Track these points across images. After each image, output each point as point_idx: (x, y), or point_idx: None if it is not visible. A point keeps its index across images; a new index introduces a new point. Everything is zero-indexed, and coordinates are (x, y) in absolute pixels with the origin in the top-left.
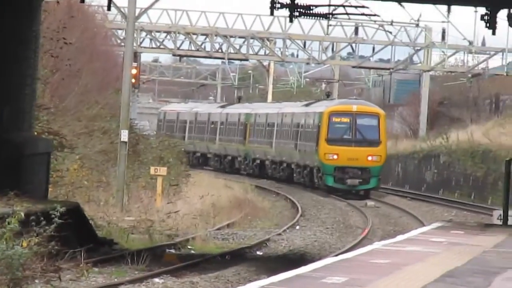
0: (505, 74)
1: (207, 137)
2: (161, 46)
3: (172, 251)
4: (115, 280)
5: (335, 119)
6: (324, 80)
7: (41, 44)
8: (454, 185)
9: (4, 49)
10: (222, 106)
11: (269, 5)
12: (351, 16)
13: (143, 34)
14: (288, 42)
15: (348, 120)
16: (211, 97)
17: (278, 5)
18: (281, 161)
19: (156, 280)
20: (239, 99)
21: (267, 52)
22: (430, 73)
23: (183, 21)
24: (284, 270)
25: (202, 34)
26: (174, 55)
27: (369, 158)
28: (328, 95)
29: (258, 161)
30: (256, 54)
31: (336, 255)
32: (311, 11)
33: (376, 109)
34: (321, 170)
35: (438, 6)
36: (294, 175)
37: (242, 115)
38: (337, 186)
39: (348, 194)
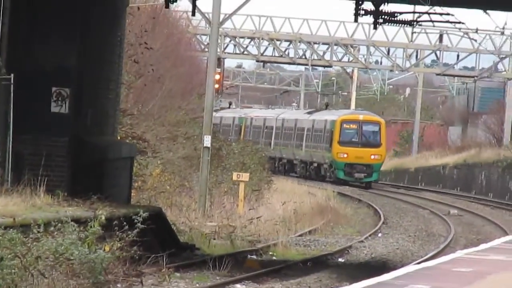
0: None
1: None
2: (245, 52)
3: (254, 257)
4: (197, 285)
5: (345, 126)
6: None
7: (124, 49)
8: None
9: (89, 53)
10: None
11: (353, 11)
12: (435, 24)
13: (227, 39)
14: (372, 49)
15: (356, 127)
16: (294, 104)
17: (363, 12)
18: (281, 157)
19: (238, 286)
20: (230, 105)
21: (351, 58)
22: None
23: (267, 27)
24: (366, 277)
25: (286, 40)
26: (257, 61)
27: (372, 156)
28: (326, 106)
29: None
30: (340, 60)
31: (418, 263)
32: (395, 18)
33: (377, 118)
34: (333, 166)
35: None
36: (298, 169)
37: (237, 119)
38: (346, 178)
39: (349, 185)
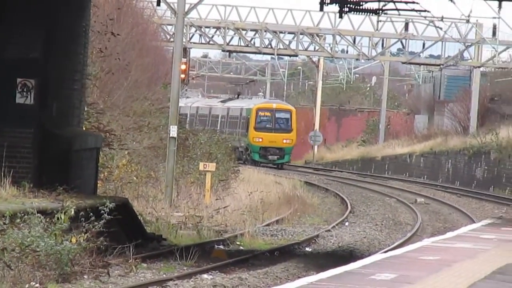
0: None
1: None
2: (211, 42)
3: (221, 247)
4: (164, 275)
5: (260, 113)
6: None
7: (90, 39)
8: (505, 182)
9: (55, 44)
10: None
11: (319, 0)
12: (401, 12)
13: (193, 29)
14: (337, 38)
15: (270, 114)
16: (260, 93)
17: (328, 1)
18: None
19: (205, 276)
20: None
21: (317, 48)
22: (481, 69)
23: (233, 16)
24: (333, 266)
25: (252, 30)
26: (223, 50)
27: (284, 141)
28: (238, 95)
29: None
30: (306, 50)
31: (385, 252)
32: (361, 7)
33: (289, 107)
34: (249, 149)
35: (489, 2)
36: None
37: None
38: (261, 160)
39: (266, 166)
